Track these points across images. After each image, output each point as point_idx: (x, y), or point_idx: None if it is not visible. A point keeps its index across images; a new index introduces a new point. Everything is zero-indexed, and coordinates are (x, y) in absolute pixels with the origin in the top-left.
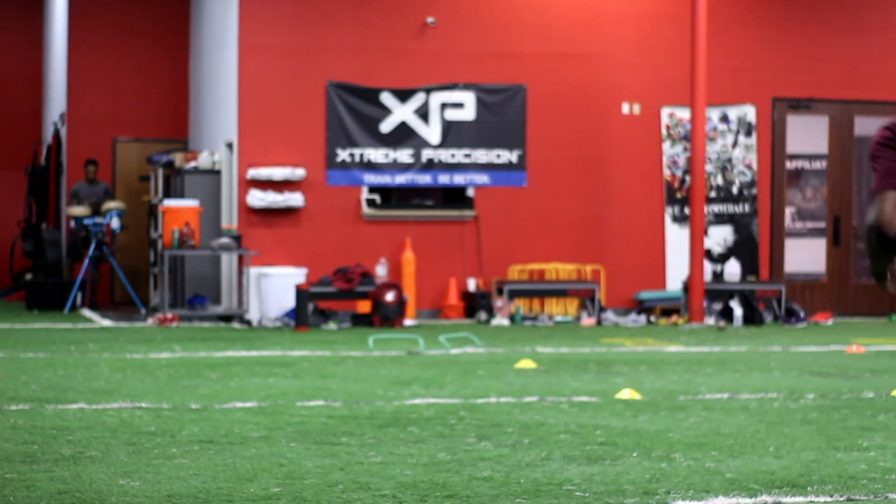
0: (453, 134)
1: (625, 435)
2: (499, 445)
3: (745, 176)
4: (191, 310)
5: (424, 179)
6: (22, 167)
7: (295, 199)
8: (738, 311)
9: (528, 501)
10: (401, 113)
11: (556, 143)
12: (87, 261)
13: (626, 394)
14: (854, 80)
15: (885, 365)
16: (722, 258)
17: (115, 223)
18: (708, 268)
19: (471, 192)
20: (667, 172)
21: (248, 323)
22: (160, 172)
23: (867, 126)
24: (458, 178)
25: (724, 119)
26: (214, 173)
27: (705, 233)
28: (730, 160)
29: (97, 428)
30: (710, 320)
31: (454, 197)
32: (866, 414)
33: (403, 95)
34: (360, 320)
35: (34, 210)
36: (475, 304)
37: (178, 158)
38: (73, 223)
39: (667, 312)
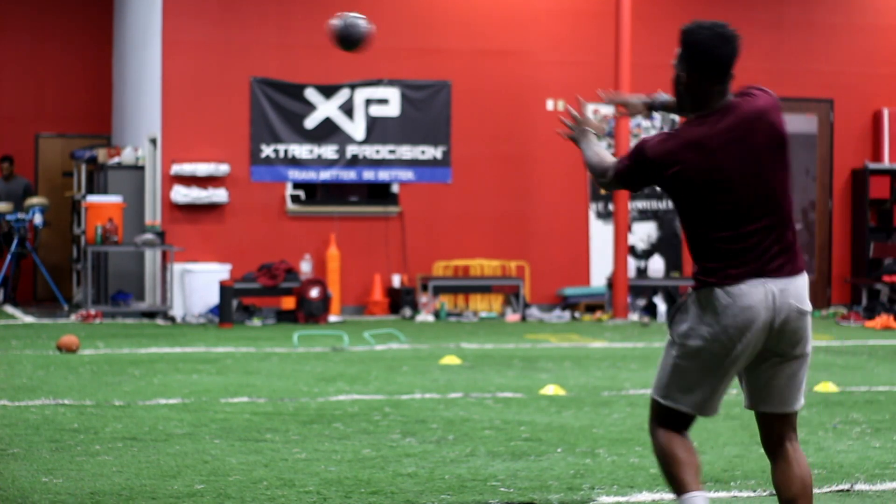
0: (378, 130)
1: (549, 431)
2: (423, 442)
3: None
4: (114, 306)
5: (349, 175)
6: None
7: (219, 194)
8: (661, 307)
9: (453, 497)
10: (325, 109)
11: (481, 140)
12: (9, 257)
13: (551, 390)
14: (777, 77)
15: None
16: (646, 254)
17: (37, 219)
18: (632, 264)
19: (395, 189)
20: None
21: (172, 319)
22: (83, 168)
23: (790, 123)
24: (383, 175)
25: (649, 115)
26: (138, 169)
27: (629, 229)
28: None
29: (20, 425)
30: (634, 316)
31: (379, 193)
32: None
33: (328, 91)
34: (284, 316)
35: None
36: (400, 301)
37: (101, 154)
38: None
39: (591, 308)
